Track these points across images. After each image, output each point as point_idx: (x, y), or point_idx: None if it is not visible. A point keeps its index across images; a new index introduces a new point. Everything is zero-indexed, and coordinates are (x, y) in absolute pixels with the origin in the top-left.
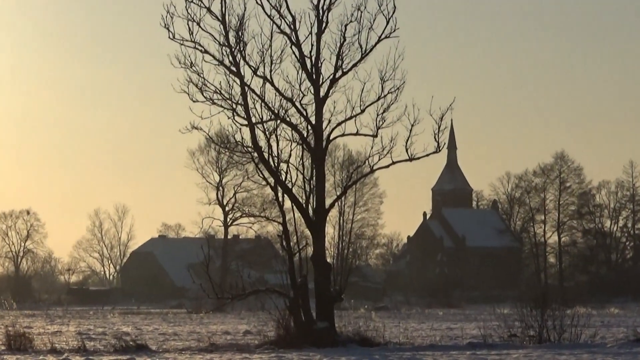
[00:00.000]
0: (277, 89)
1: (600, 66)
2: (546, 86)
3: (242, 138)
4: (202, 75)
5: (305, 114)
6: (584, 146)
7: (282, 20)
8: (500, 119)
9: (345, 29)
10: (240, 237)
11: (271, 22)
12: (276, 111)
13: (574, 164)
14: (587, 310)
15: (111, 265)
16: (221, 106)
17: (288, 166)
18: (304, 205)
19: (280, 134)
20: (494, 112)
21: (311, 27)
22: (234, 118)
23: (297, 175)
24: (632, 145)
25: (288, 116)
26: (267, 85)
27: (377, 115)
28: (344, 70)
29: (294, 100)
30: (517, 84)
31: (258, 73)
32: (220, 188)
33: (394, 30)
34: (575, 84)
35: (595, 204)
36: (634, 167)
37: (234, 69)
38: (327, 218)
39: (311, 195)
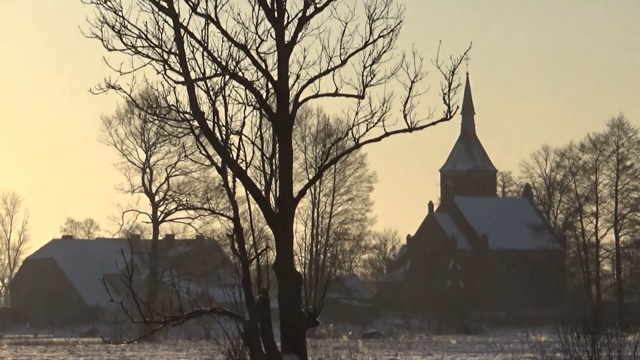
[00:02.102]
0: (224, 32)
1: None
2: (597, 29)
3: (177, 100)
4: (121, 13)
5: (264, 66)
6: None
7: None
8: (534, 75)
9: None
10: (175, 237)
11: None
12: (224, 63)
13: (636, 135)
14: None
15: None
16: (147, 56)
17: (241, 139)
18: (263, 193)
19: (229, 95)
20: (524, 65)
21: None
22: (165, 73)
23: (253, 152)
24: None
25: (240, 70)
26: (212, 26)
27: (364, 68)
28: (318, 5)
29: (249, 47)
30: (557, 27)
31: (198, 10)
32: (148, 170)
33: None
34: (634, 28)
35: None
36: None
37: (164, 4)
38: (296, 211)
39: (273, 180)
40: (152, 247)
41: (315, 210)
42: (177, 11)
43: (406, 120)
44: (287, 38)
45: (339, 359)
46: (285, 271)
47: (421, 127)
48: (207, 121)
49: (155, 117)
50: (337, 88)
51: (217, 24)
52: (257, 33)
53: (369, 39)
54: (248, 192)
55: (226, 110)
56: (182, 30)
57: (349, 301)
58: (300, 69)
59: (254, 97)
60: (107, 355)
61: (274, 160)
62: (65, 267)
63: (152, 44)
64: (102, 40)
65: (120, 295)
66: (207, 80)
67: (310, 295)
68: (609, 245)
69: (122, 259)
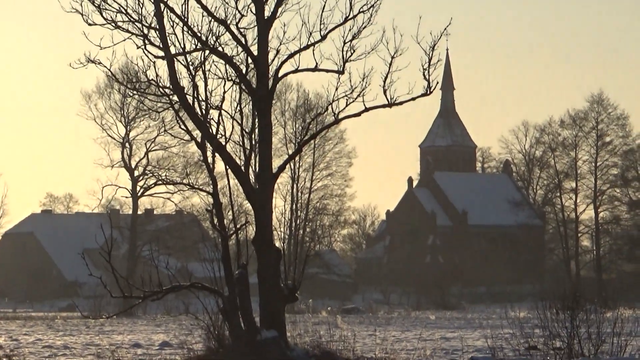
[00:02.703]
0: (204, 7)
1: None
2: (577, 5)
3: (157, 75)
4: None
5: (244, 42)
6: (629, 87)
7: None
8: (514, 50)
9: None
10: (155, 212)
11: None
12: (204, 38)
13: (616, 111)
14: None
15: None
16: (127, 31)
17: (220, 114)
18: (242, 168)
19: (209, 70)
20: (504, 40)
21: None
22: (145, 47)
23: (233, 127)
24: None
25: (220, 45)
26: (192, 2)
27: (344, 43)
28: None
29: (229, 22)
30: (537, 3)
31: None
32: (127, 145)
33: None
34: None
35: None
36: None
37: None
38: (276, 186)
39: (253, 155)
40: (131, 221)
41: (295, 185)
42: None
43: (386, 96)
44: (267, 13)
45: (317, 335)
46: (264, 246)
47: (401, 103)
48: (187, 96)
49: (135, 92)
50: (317, 63)
51: None
52: (237, 8)
53: (349, 15)
54: (227, 167)
55: (206, 85)
56: (162, 5)
57: (328, 276)
58: (280, 44)
59: (233, 72)
60: (86, 330)
61: (253, 135)
62: (45, 242)
63: (132, 19)
64: (82, 14)
65: (99, 269)
66: (187, 55)
67: (289, 271)
68: (588, 221)
69: (102, 233)
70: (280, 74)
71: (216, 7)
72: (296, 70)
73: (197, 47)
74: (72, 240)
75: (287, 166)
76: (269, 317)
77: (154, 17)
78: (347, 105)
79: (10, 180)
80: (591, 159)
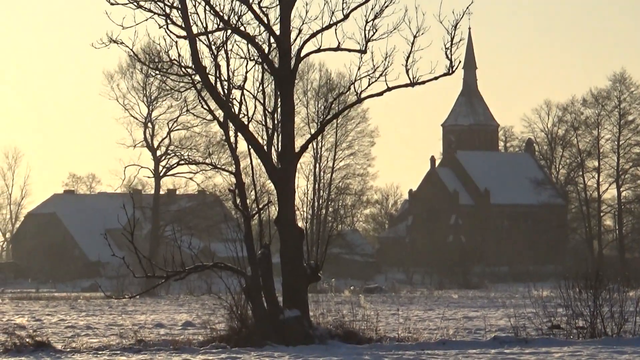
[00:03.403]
0: None
1: None
2: None
3: (179, 55)
4: None
5: (266, 21)
6: None
7: None
8: (537, 29)
9: None
10: (177, 192)
11: None
12: (226, 18)
13: (638, 90)
14: None
15: None
16: (150, 10)
17: (243, 94)
18: (265, 148)
19: (231, 50)
20: (526, 19)
21: None
22: (167, 27)
23: (255, 107)
24: None
25: (242, 24)
26: None
27: (366, 22)
28: None
29: (251, 1)
30: None
31: None
32: (150, 125)
33: None
34: None
35: None
36: None
37: None
38: (298, 166)
39: (275, 134)
40: (153, 201)
41: (317, 165)
42: None
43: (408, 75)
44: None
45: (340, 314)
46: (287, 226)
47: (423, 82)
48: (209, 76)
49: (157, 72)
50: (339, 43)
51: None
52: None
53: None
54: (250, 146)
55: (228, 64)
56: None
57: (351, 256)
58: (303, 23)
59: (256, 51)
60: (109, 310)
61: (275, 115)
62: (67, 222)
63: None
64: None
65: (122, 250)
66: (209, 35)
67: (312, 250)
68: (611, 200)
69: (124, 213)
70: (302, 54)
71: None
72: (318, 50)
73: (219, 26)
74: (94, 221)
75: (310, 146)
76: (291, 296)
77: None
78: (369, 85)
79: (32, 161)
80: (614, 138)
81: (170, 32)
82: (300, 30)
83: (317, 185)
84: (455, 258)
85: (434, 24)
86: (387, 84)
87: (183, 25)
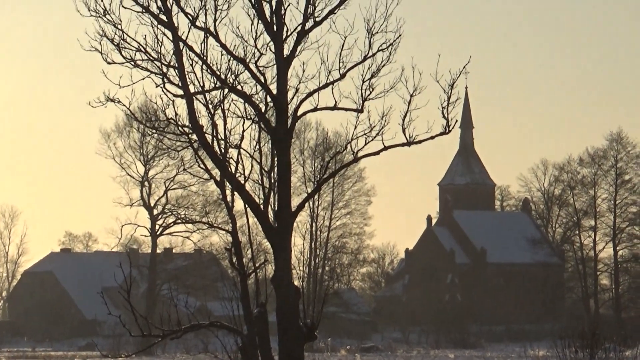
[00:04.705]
0: (223, 46)
1: None
2: (596, 43)
3: (176, 114)
4: (120, 26)
5: (263, 80)
6: None
7: None
8: (533, 89)
9: None
10: (174, 251)
11: None
12: (223, 76)
13: (635, 150)
14: None
15: None
16: (147, 69)
17: (239, 153)
18: (261, 207)
19: (228, 109)
20: (523, 79)
21: None
22: (164, 86)
23: (252, 166)
24: None
25: (239, 83)
26: (211, 40)
27: (363, 82)
28: (317, 19)
29: (248, 61)
30: (556, 41)
31: (197, 23)
32: (146, 183)
33: None
34: (634, 41)
35: None
36: None
37: (164, 17)
38: (295, 225)
39: (272, 194)
40: (150, 260)
41: (314, 223)
42: (176, 24)
43: (405, 134)
44: (286, 52)
45: None
46: (283, 285)
47: (420, 141)
48: (206, 135)
49: (154, 131)
50: (336, 102)
51: (216, 38)
52: (256, 46)
53: (368, 53)
54: (246, 205)
55: (225, 123)
56: (181, 43)
57: (347, 315)
58: (299, 82)
59: (252, 110)
60: None
61: (272, 174)
62: (64, 281)
63: (151, 57)
64: (101, 53)
65: (118, 308)
66: (206, 94)
67: (308, 309)
68: (607, 259)
69: (121, 272)
70: (299, 113)
71: (235, 46)
72: (315, 109)
73: (216, 85)
74: (91, 279)
75: (306, 205)
76: (287, 356)
77: (173, 56)
78: (366, 144)
79: (29, 219)
80: (610, 197)
81: (167, 90)
82: (297, 89)
83: (313, 244)
84: (451, 317)
85: (431, 83)
86: (383, 143)
87: (180, 84)
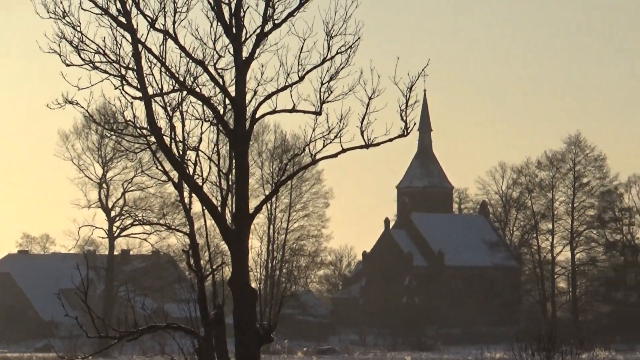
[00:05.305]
0: (182, 48)
1: (623, 22)
2: (553, 47)
3: (135, 116)
4: (79, 28)
5: (221, 82)
6: (607, 128)
7: None
8: (491, 92)
9: None
10: (131, 252)
11: None
12: (181, 79)
13: (593, 153)
14: (610, 354)
15: None
16: (105, 71)
17: (197, 155)
18: (219, 209)
19: (187, 111)
20: (482, 82)
21: None
22: (122, 88)
23: (210, 168)
24: None
25: (198, 86)
26: (170, 42)
27: (322, 84)
28: (276, 21)
29: (206, 63)
30: (513, 44)
31: (156, 25)
32: (104, 185)
33: None
34: (592, 46)
35: (623, 207)
36: None
37: (123, 19)
38: (252, 227)
39: (229, 196)
40: (107, 262)
41: (271, 226)
42: (135, 27)
43: (363, 137)
44: (245, 54)
45: None
46: (240, 287)
47: (378, 144)
48: (164, 137)
49: (112, 133)
50: (294, 104)
51: (175, 40)
52: (215, 49)
53: (326, 56)
54: (204, 207)
55: (183, 126)
56: (140, 45)
57: (304, 317)
58: (258, 85)
59: (211, 112)
60: None
61: (230, 176)
62: (21, 282)
63: (110, 60)
64: (60, 55)
65: (75, 310)
66: (165, 96)
67: (265, 311)
68: (565, 263)
69: (78, 273)
70: (257, 115)
71: (194, 48)
72: (274, 111)
73: (175, 87)
74: (48, 281)
75: (264, 207)
76: (244, 358)
77: (132, 58)
78: (324, 146)
79: None
80: (568, 200)
81: (126, 93)
82: (255, 92)
83: (271, 247)
84: (408, 320)
85: (390, 85)
86: (341, 146)
87: (138, 86)
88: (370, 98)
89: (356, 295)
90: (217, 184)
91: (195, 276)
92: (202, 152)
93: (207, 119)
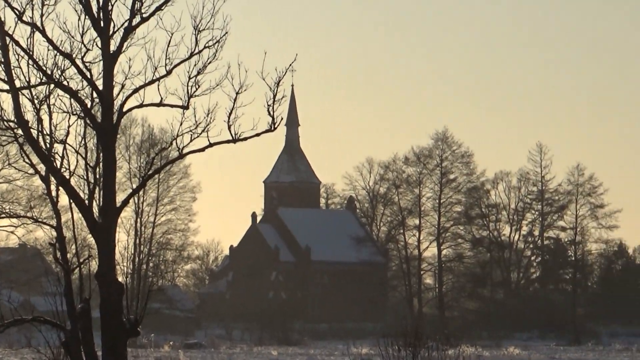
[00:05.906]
0: (50, 41)
1: (497, 13)
2: (422, 42)
3: (1, 108)
4: None
5: (89, 76)
6: (474, 124)
7: None
8: (359, 88)
9: None
10: None
11: None
12: (49, 72)
13: (460, 149)
14: (476, 350)
15: None
16: None
17: (65, 148)
18: (86, 202)
19: (54, 104)
20: (349, 77)
21: None
22: None
23: (77, 161)
24: (540, 126)
25: (65, 79)
26: (37, 35)
27: (189, 78)
28: (144, 15)
29: (74, 56)
30: (381, 40)
31: (24, 18)
32: None
33: None
34: (461, 37)
35: (490, 203)
36: (543, 154)
37: None
38: (119, 220)
39: (97, 189)
40: None
41: (139, 219)
42: (2, 19)
43: (230, 131)
44: (112, 47)
45: None
46: (107, 281)
47: (245, 138)
48: (32, 129)
49: None
50: (161, 98)
51: (43, 33)
52: (82, 42)
53: (194, 50)
54: (71, 200)
55: (50, 119)
56: (7, 38)
57: (171, 311)
58: (126, 78)
59: (78, 106)
60: None
61: (97, 170)
62: None
63: None
64: None
65: None
66: (32, 89)
67: (132, 305)
68: (431, 259)
69: None
70: (125, 109)
71: (62, 41)
72: (141, 105)
73: (42, 80)
74: None
75: (131, 200)
76: (110, 351)
77: None
78: (191, 141)
79: None
80: (435, 196)
81: None
82: (123, 86)
83: (138, 240)
84: (275, 314)
85: (257, 80)
86: (209, 140)
87: (6, 79)
88: (237, 93)
89: (223, 290)
90: (85, 177)
91: (62, 269)
92: (70, 145)
93: (74, 112)
